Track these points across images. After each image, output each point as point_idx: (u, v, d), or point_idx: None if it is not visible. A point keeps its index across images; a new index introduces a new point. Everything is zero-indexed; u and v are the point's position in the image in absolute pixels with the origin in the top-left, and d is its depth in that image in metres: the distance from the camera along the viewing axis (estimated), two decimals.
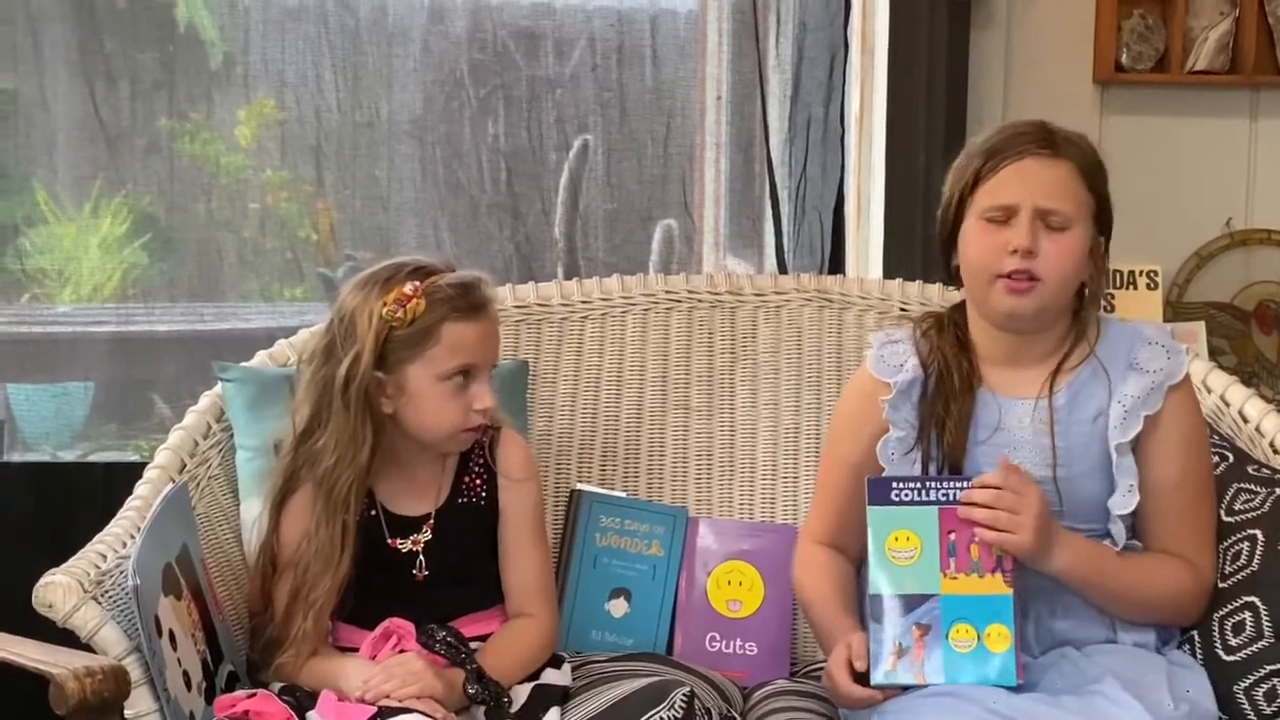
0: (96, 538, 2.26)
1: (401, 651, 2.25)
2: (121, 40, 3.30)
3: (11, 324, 3.39)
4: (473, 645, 2.27)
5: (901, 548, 2.19)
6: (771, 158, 3.41)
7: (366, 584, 2.34)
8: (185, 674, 2.12)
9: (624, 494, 2.73)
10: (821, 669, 2.55)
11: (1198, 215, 3.40)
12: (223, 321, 3.42)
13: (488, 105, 3.44)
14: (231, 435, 2.54)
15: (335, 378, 2.28)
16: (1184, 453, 2.29)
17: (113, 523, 2.32)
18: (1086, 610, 2.26)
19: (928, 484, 2.20)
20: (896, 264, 3.18)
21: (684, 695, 2.14)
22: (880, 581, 2.19)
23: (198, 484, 2.46)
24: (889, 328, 2.64)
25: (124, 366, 3.40)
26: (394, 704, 2.14)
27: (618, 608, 2.65)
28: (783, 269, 3.38)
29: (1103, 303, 2.41)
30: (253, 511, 2.45)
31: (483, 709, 2.21)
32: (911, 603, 2.18)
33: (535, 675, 2.33)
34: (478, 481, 2.40)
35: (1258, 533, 2.30)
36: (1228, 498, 2.38)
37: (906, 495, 2.20)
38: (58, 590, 2.07)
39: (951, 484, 2.20)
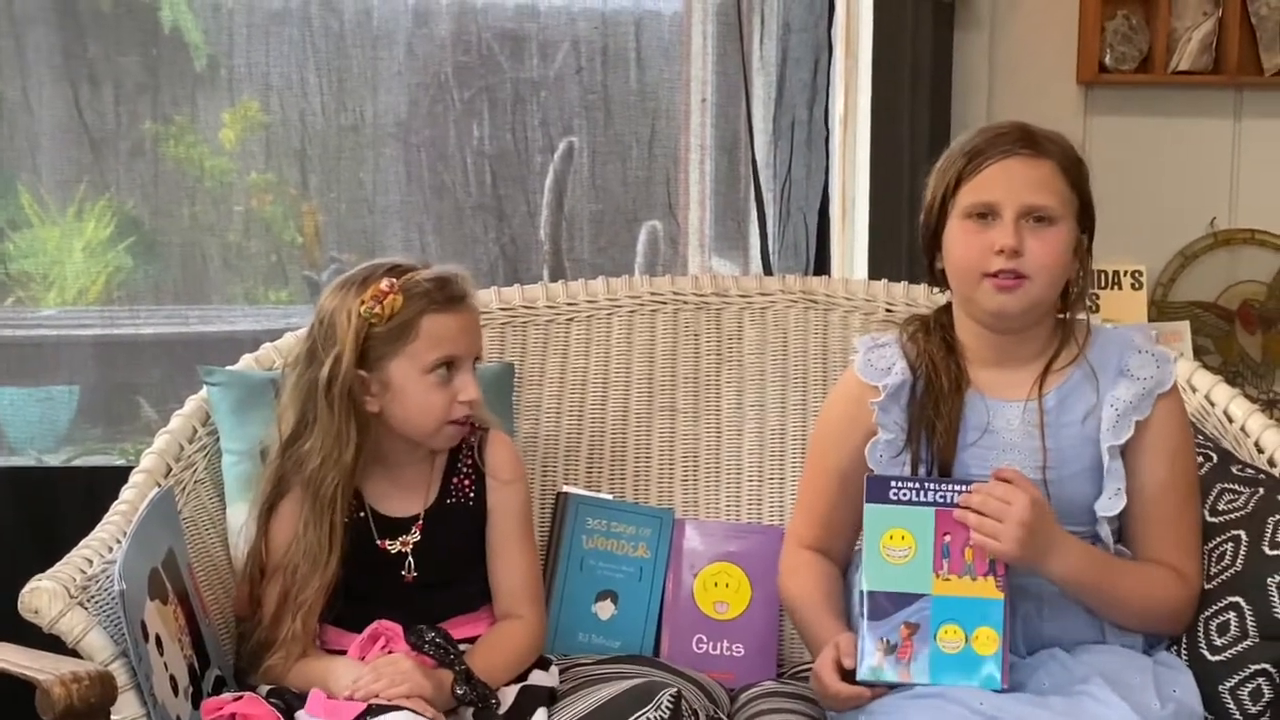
0: (82, 543, 2.25)
1: (390, 653, 2.25)
2: (106, 43, 3.29)
3: None
4: (461, 647, 2.27)
5: (896, 546, 2.19)
6: (756, 159, 3.42)
7: (355, 586, 2.34)
8: (172, 679, 2.11)
9: (610, 496, 2.73)
10: (809, 670, 2.56)
11: (1182, 215, 3.40)
12: (208, 325, 3.42)
13: (472, 108, 3.43)
14: (217, 439, 2.54)
15: (319, 380, 2.28)
16: (1171, 459, 2.29)
17: (98, 528, 2.31)
18: (1075, 611, 2.27)
19: (926, 485, 2.21)
20: (881, 265, 3.18)
21: (670, 696, 2.14)
22: (872, 578, 2.20)
23: (183, 488, 2.46)
24: (873, 331, 2.64)
25: (109, 370, 3.39)
26: (383, 703, 2.14)
27: (604, 610, 2.65)
28: (768, 270, 3.39)
29: (1088, 303, 2.41)
30: (239, 516, 2.46)
31: (471, 710, 2.21)
32: (902, 601, 2.18)
33: (523, 677, 2.33)
34: (466, 482, 2.40)
35: (1241, 533, 2.30)
36: (1211, 498, 2.38)
37: (905, 495, 2.20)
38: (43, 596, 2.06)
39: (949, 487, 2.20)
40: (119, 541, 2.20)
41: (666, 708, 2.13)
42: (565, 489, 2.72)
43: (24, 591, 2.08)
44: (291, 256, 3.45)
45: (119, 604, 2.03)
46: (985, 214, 2.25)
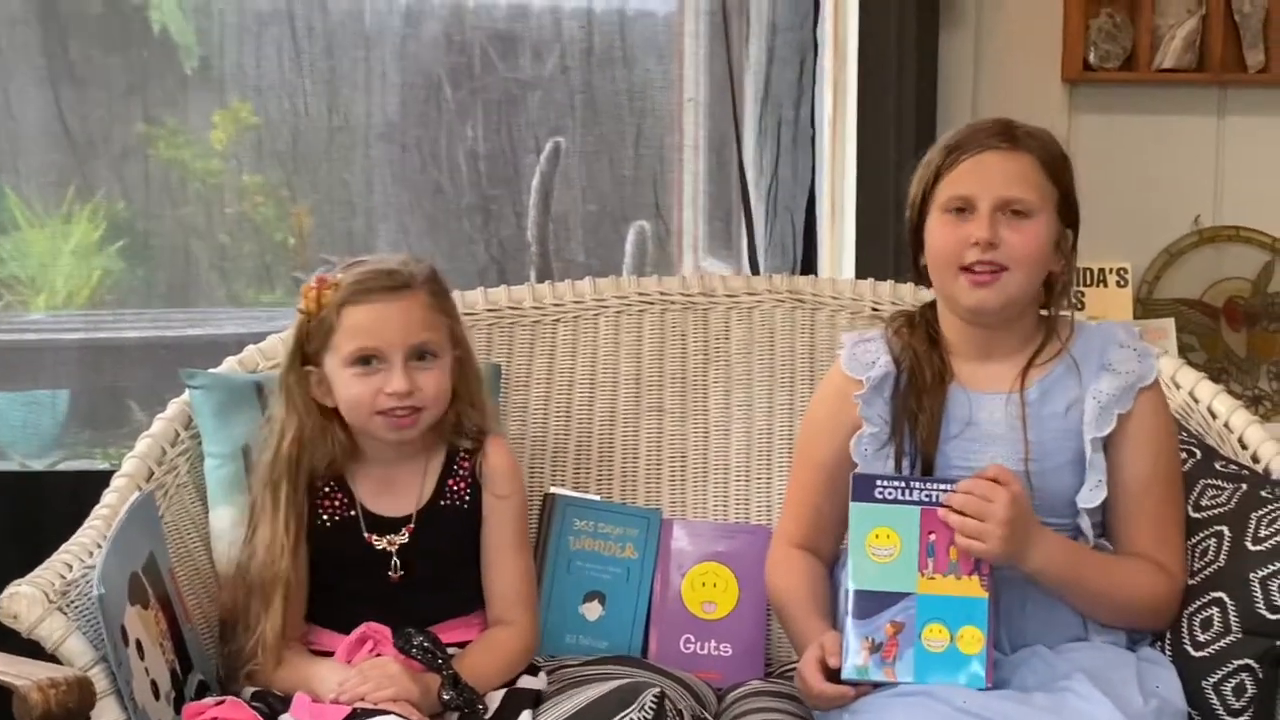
0: (62, 547, 2.25)
1: (378, 656, 2.25)
2: (95, 45, 3.29)
3: None
4: (450, 651, 2.27)
5: (881, 545, 2.19)
6: (743, 159, 3.42)
7: (343, 585, 2.34)
8: (153, 683, 2.11)
9: (598, 497, 2.73)
10: (795, 670, 2.57)
11: (1166, 213, 3.41)
12: (198, 328, 3.42)
13: (461, 108, 3.44)
14: (199, 442, 2.53)
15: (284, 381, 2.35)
16: (1154, 453, 2.30)
17: (79, 532, 2.31)
18: (1058, 608, 2.27)
19: (912, 484, 2.21)
20: (869, 264, 3.18)
21: (654, 696, 2.14)
22: (858, 576, 2.20)
23: (165, 492, 2.45)
24: (860, 328, 2.64)
25: (98, 373, 3.39)
26: (369, 706, 2.14)
27: (592, 611, 2.65)
28: (755, 270, 3.39)
29: (1073, 300, 2.41)
30: (221, 519, 2.46)
31: (457, 715, 2.21)
32: (887, 600, 2.18)
33: (511, 681, 2.33)
34: (461, 485, 2.40)
35: (1224, 529, 2.31)
36: (1195, 494, 2.39)
37: (890, 493, 2.20)
38: (22, 601, 2.06)
39: (935, 485, 2.20)
40: (99, 546, 2.20)
41: (650, 708, 2.12)
42: (552, 490, 2.71)
43: (3, 596, 2.08)
44: (281, 258, 3.45)
45: (98, 609, 2.04)
46: (962, 208, 2.26)
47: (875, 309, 2.78)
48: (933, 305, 2.39)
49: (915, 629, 2.17)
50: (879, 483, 2.21)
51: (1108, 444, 2.28)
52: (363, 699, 2.15)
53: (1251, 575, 2.22)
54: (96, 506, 2.39)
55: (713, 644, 2.64)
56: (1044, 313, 2.35)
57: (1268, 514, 2.27)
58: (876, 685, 2.17)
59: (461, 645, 2.34)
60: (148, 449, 2.49)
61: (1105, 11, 3.34)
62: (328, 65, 3.37)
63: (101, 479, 2.50)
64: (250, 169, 3.41)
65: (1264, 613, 2.20)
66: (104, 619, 2.03)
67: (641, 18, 3.47)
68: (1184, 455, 2.43)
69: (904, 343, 2.36)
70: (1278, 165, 3.42)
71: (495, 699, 2.27)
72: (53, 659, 2.05)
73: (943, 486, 2.20)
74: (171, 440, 2.52)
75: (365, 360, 2.31)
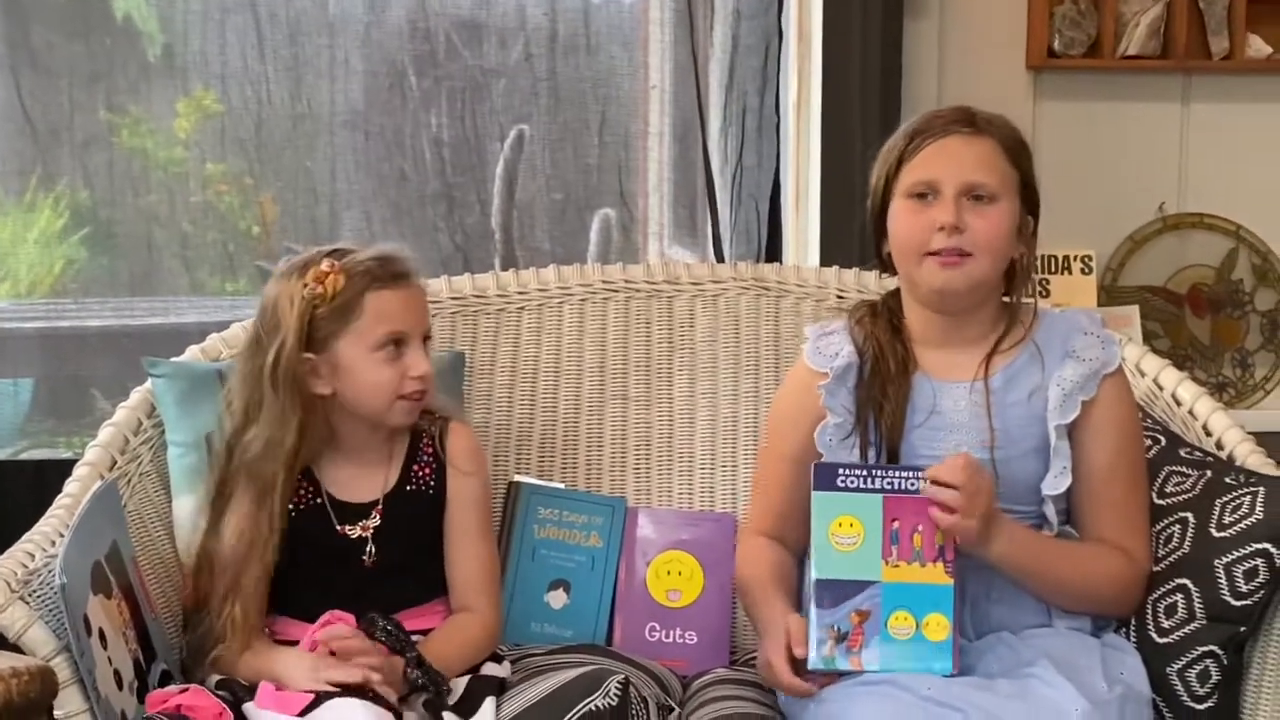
0: (25, 536, 2.24)
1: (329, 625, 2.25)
2: (57, 32, 3.27)
3: None
4: (415, 638, 2.27)
5: (845, 534, 2.19)
6: (708, 147, 3.41)
7: (312, 574, 2.34)
8: (116, 673, 2.10)
9: (562, 485, 2.73)
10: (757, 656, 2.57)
11: (1131, 200, 3.41)
12: (161, 316, 3.40)
13: (425, 96, 3.42)
14: (162, 431, 2.53)
15: (263, 367, 2.29)
16: (1118, 439, 2.31)
17: (41, 521, 2.30)
18: (1023, 595, 2.27)
19: (874, 472, 2.21)
20: (833, 252, 3.17)
21: (619, 683, 2.14)
22: (822, 566, 2.20)
23: (128, 481, 2.45)
24: (823, 320, 2.64)
25: (61, 362, 3.37)
26: (330, 689, 2.15)
27: (557, 599, 2.65)
28: (720, 258, 3.39)
29: (1035, 286, 2.42)
30: (184, 508, 2.45)
31: (422, 698, 2.21)
32: (852, 589, 2.18)
33: (475, 668, 2.33)
34: (426, 471, 2.40)
35: (1189, 515, 2.32)
36: (1159, 480, 2.39)
37: (852, 482, 2.20)
38: None
39: (897, 473, 2.21)
40: (61, 535, 2.18)
41: (615, 695, 2.13)
42: (517, 478, 2.71)
43: None
44: (245, 247, 3.43)
45: (60, 598, 2.02)
46: (925, 193, 2.27)
47: (840, 296, 2.78)
48: (896, 294, 2.40)
49: (881, 617, 2.17)
50: (841, 471, 2.21)
51: (1072, 431, 2.28)
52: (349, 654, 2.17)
53: (1216, 562, 2.23)
54: (59, 496, 2.38)
55: (678, 632, 2.64)
56: (1006, 300, 2.36)
57: (1232, 500, 2.28)
58: (842, 674, 2.18)
59: (425, 633, 2.34)
60: (110, 438, 2.48)
61: None
62: (291, 53, 3.35)
63: (65, 468, 2.49)
64: (214, 157, 3.39)
65: (1228, 599, 2.21)
66: (66, 608, 2.01)
67: (606, 4, 3.46)
68: (1148, 442, 2.44)
69: (866, 332, 2.36)
70: (1242, 152, 3.43)
71: (459, 686, 2.27)
72: (15, 648, 2.04)
73: (905, 474, 2.20)
74: (134, 429, 2.51)
75: (395, 344, 2.31)
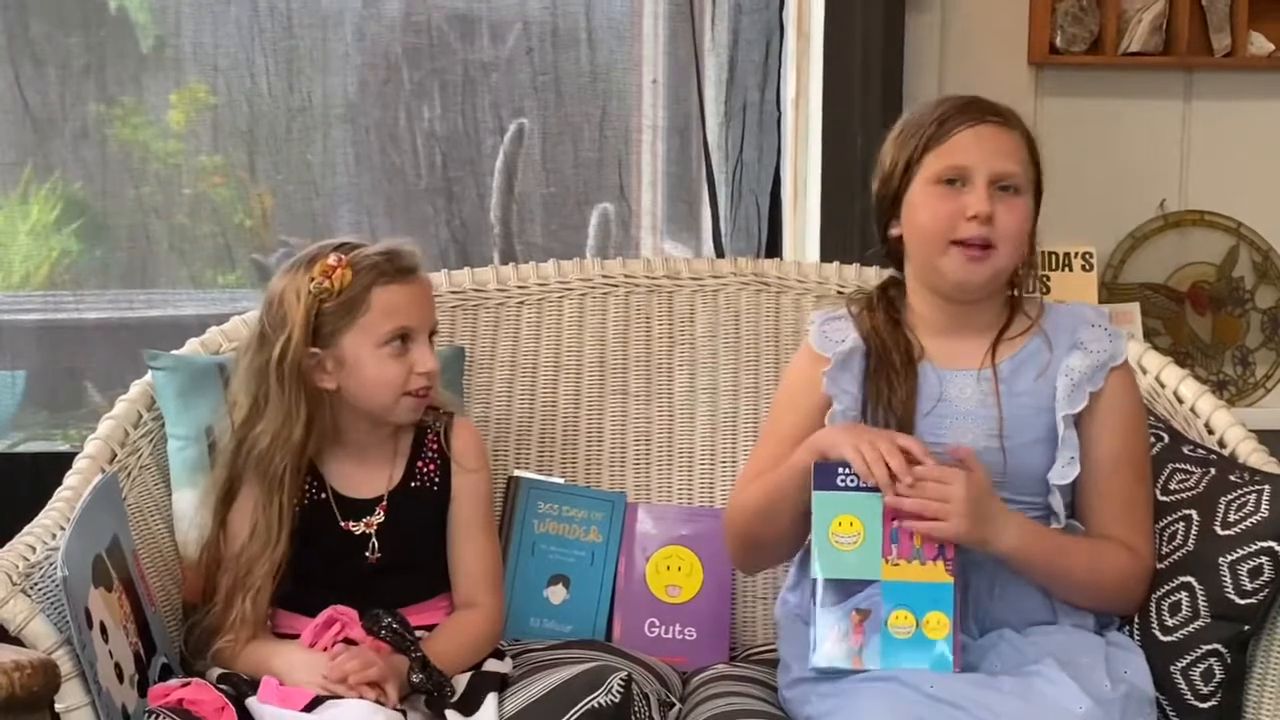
0: (25, 529, 2.23)
1: (345, 639, 2.23)
2: (50, 23, 3.25)
3: None
4: (417, 634, 2.26)
5: (845, 533, 2.18)
6: (708, 141, 3.41)
7: (314, 569, 2.33)
8: (117, 666, 2.09)
9: (562, 480, 2.72)
10: (760, 654, 2.58)
11: (1132, 197, 3.41)
12: (155, 309, 3.39)
13: (422, 89, 3.41)
14: (162, 424, 2.52)
15: (270, 361, 2.27)
16: (1123, 433, 2.30)
17: (42, 514, 2.29)
18: (1026, 591, 2.27)
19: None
20: (833, 247, 3.17)
21: (621, 680, 2.13)
22: (822, 566, 2.19)
23: (128, 474, 2.44)
24: (829, 307, 2.64)
25: (55, 354, 3.36)
26: (340, 690, 2.15)
27: (556, 594, 2.65)
28: (720, 253, 3.38)
29: (1037, 283, 2.42)
30: (184, 501, 2.44)
31: (424, 697, 2.20)
32: (852, 588, 2.18)
33: (477, 664, 2.32)
34: (431, 467, 2.40)
35: (1193, 513, 2.32)
36: (1163, 478, 2.39)
37: (851, 481, 2.19)
38: None
39: None
40: (62, 528, 2.18)
41: (617, 691, 2.12)
42: (516, 473, 2.71)
43: None
44: (240, 239, 3.42)
45: (62, 591, 2.01)
46: (955, 179, 2.25)
47: (840, 291, 2.78)
48: (895, 284, 2.38)
49: (881, 616, 2.16)
50: (840, 470, 2.20)
51: (1079, 422, 2.28)
52: (345, 679, 2.15)
53: (1220, 560, 2.23)
54: (59, 488, 2.37)
55: (677, 628, 2.64)
56: (1012, 293, 2.35)
57: (1236, 498, 2.28)
58: (843, 672, 2.17)
59: (428, 628, 2.33)
60: (110, 430, 2.47)
61: None
62: (286, 45, 3.34)
63: (61, 460, 2.49)
64: (209, 150, 3.37)
65: (1233, 597, 2.21)
66: (68, 601, 2.00)
67: None
68: (1152, 439, 2.43)
69: (868, 325, 2.35)
70: (1243, 150, 3.42)
71: (461, 682, 2.27)
72: (16, 642, 2.03)
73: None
74: (134, 422, 2.50)
75: (401, 339, 2.30)
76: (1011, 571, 2.24)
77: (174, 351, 2.60)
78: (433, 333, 2.37)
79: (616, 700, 2.12)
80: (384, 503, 2.37)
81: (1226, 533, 2.24)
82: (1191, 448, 2.45)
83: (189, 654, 2.34)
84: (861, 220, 3.17)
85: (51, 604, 2.06)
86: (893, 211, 2.32)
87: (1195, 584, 2.25)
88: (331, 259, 2.29)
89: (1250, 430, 2.52)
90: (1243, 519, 2.24)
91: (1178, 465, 2.41)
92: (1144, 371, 2.61)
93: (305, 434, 2.30)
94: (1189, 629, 2.24)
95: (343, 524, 2.35)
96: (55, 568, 2.04)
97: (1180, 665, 2.23)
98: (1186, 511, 2.33)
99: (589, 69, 3.44)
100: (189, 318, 3.27)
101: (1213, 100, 3.43)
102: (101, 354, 3.35)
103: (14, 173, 3.30)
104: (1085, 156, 3.34)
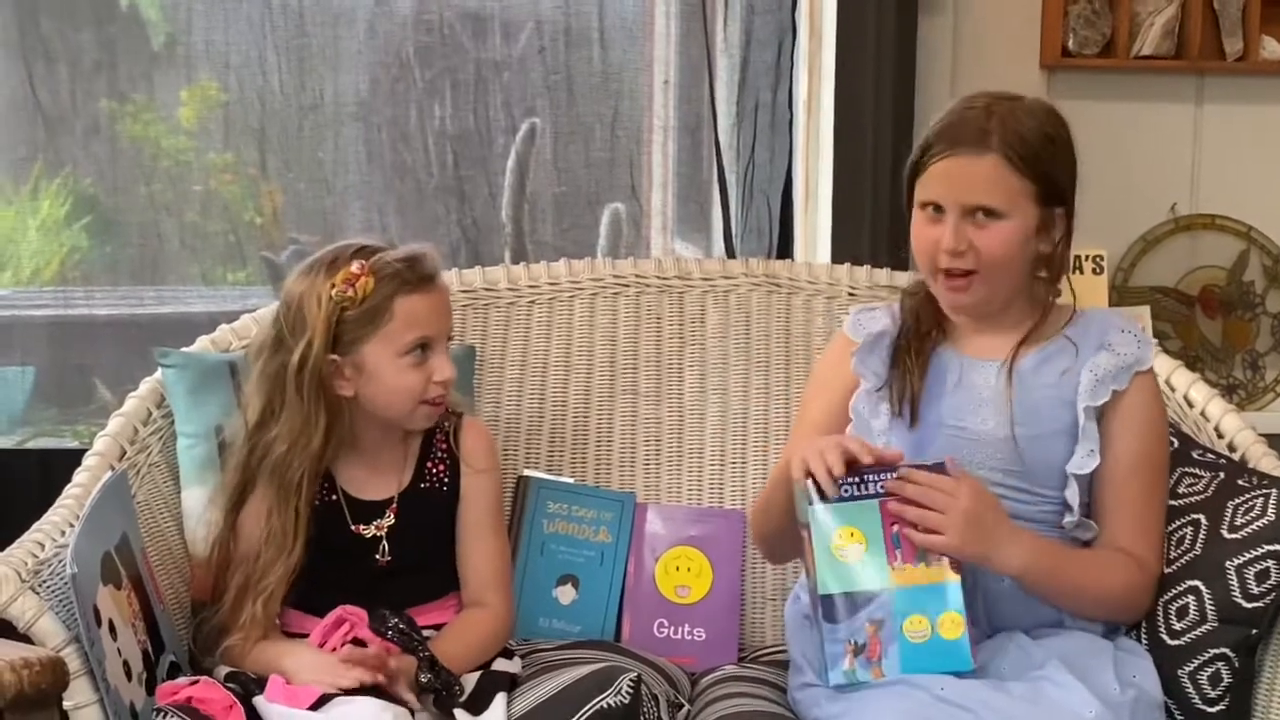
0: (34, 526, 2.23)
1: (353, 639, 2.23)
2: (61, 19, 3.25)
3: None
4: (425, 633, 2.26)
5: (848, 545, 2.16)
6: (720, 142, 3.40)
7: (324, 570, 2.32)
8: (125, 664, 2.09)
9: (572, 480, 2.72)
10: (770, 654, 2.58)
11: (1143, 200, 3.41)
12: (165, 305, 3.39)
13: (434, 88, 3.41)
14: (172, 422, 2.52)
15: (288, 366, 2.27)
16: (1143, 437, 2.30)
17: (51, 511, 2.29)
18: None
19: (865, 476, 2.17)
20: (844, 248, 3.17)
21: (630, 681, 2.13)
22: (830, 581, 2.16)
23: (138, 471, 2.44)
24: (836, 313, 2.70)
25: (64, 351, 3.36)
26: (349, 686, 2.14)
27: (565, 594, 2.65)
28: (731, 254, 3.38)
29: (1070, 281, 2.40)
30: (193, 499, 2.44)
31: (433, 696, 2.20)
32: (863, 600, 2.15)
33: (486, 664, 2.32)
34: (440, 468, 2.39)
35: (1201, 517, 2.31)
36: (1172, 481, 2.38)
37: (846, 490, 2.16)
38: None
39: (888, 475, 2.17)
40: (71, 525, 2.18)
41: (626, 692, 2.12)
42: (526, 472, 2.70)
43: None
44: (250, 237, 3.42)
45: (71, 588, 2.01)
46: (937, 206, 2.26)
47: (851, 293, 2.78)
48: None
49: (895, 624, 2.14)
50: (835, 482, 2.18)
51: (1100, 421, 2.28)
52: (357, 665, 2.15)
53: (1228, 564, 2.23)
54: (69, 485, 2.37)
55: (686, 629, 2.64)
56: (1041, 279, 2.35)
57: (1244, 503, 2.28)
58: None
59: (437, 628, 2.33)
60: (120, 428, 2.47)
61: None
62: (298, 43, 3.34)
63: (71, 457, 2.49)
64: (219, 147, 3.38)
65: (1240, 601, 2.21)
66: (76, 599, 2.00)
67: None
68: None
69: (912, 305, 2.37)
70: (1254, 154, 3.43)
71: (470, 681, 2.26)
72: (25, 639, 2.03)
73: (895, 474, 2.17)
74: (144, 419, 2.50)
75: (422, 348, 2.30)
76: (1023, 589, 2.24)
77: (184, 349, 2.59)
78: (449, 338, 2.37)
79: (626, 701, 2.11)
80: (394, 505, 2.36)
81: (1234, 537, 2.24)
82: (1201, 452, 2.45)
83: (197, 652, 2.34)
84: (873, 221, 3.18)
85: (60, 601, 2.07)
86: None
87: (1203, 588, 2.24)
88: (354, 266, 2.27)
89: (1260, 434, 2.52)
90: (1250, 523, 2.24)
91: (1186, 470, 2.41)
92: (1157, 377, 2.60)
93: (324, 441, 2.29)
94: (1197, 633, 2.23)
95: (353, 527, 2.35)
96: (64, 565, 2.04)
97: (1188, 669, 2.23)
98: (1195, 515, 2.32)
99: (601, 69, 3.44)
100: (199, 315, 3.27)
101: (1224, 104, 3.43)
102: (111, 351, 3.35)
103: (25, 168, 3.30)
104: (1096, 159, 3.29)
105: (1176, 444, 2.45)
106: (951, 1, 3.32)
